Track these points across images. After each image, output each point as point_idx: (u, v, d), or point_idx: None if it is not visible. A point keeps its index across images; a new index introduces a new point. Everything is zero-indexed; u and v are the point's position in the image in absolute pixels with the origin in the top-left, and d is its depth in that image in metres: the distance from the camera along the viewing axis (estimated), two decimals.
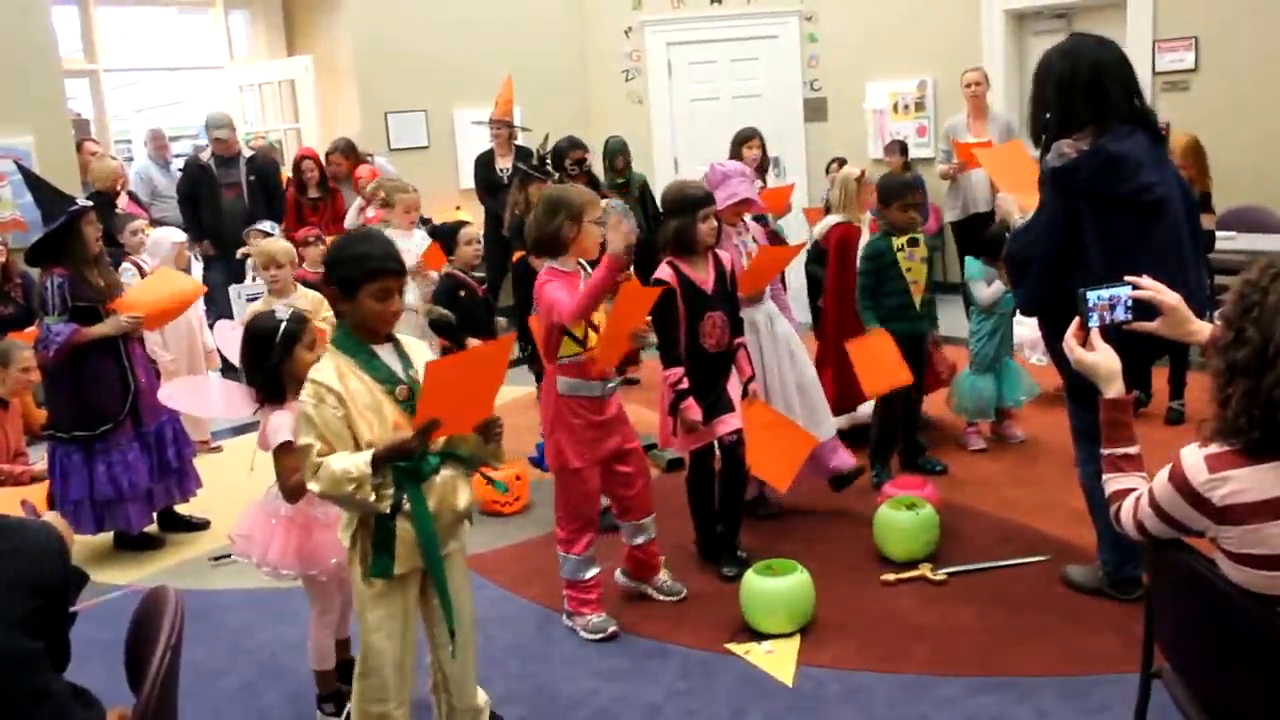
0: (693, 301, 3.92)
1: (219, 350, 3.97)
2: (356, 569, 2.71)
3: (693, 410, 3.85)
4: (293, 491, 2.99)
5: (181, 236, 5.79)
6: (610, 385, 3.62)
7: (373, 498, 2.54)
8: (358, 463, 2.51)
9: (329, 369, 2.60)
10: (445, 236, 5.30)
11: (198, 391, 4.25)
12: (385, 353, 2.67)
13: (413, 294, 5.24)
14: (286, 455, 2.98)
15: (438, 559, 2.67)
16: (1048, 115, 3.30)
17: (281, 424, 3.00)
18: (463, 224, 5.40)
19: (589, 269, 3.56)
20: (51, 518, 2.33)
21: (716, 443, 4.01)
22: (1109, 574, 3.58)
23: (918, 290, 4.77)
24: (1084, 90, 3.21)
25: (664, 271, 3.94)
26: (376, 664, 2.72)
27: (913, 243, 4.76)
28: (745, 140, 6.89)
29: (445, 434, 2.65)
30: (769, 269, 4.45)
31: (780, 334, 4.46)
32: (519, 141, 8.13)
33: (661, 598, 3.89)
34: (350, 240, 2.85)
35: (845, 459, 4.58)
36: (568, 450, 3.59)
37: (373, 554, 2.64)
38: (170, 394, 4.00)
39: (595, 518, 3.71)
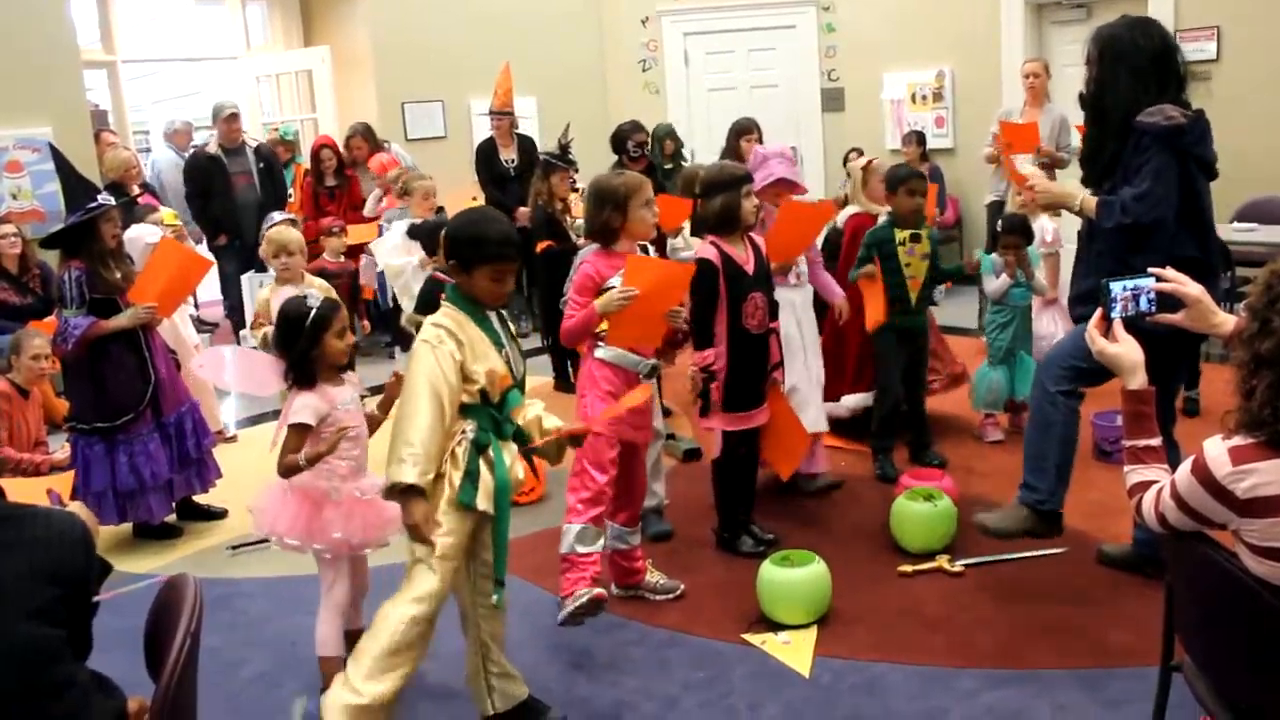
0: (736, 281, 3.88)
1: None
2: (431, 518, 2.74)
3: (717, 392, 3.87)
4: (287, 470, 3.08)
5: (156, 235, 5.62)
6: (649, 364, 3.61)
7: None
8: (405, 468, 2.65)
9: (448, 317, 2.80)
10: (426, 236, 4.99)
11: (229, 363, 4.07)
12: (493, 318, 2.88)
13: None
14: (293, 435, 3.08)
15: (506, 504, 2.85)
16: (1128, 88, 3.36)
17: (305, 405, 3.09)
18: (443, 225, 5.04)
19: (649, 248, 3.75)
20: (76, 507, 2.35)
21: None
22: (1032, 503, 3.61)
23: (914, 285, 4.77)
24: (1174, 65, 3.38)
25: (708, 250, 3.90)
26: (425, 596, 2.76)
27: (915, 238, 4.75)
28: (744, 132, 6.73)
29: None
30: (800, 233, 4.35)
31: (809, 320, 4.47)
32: (520, 130, 8.07)
33: (658, 598, 3.82)
34: (471, 220, 2.93)
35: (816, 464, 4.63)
36: (599, 411, 3.45)
37: (461, 483, 2.77)
38: (203, 362, 4.07)
39: (608, 491, 3.55)
